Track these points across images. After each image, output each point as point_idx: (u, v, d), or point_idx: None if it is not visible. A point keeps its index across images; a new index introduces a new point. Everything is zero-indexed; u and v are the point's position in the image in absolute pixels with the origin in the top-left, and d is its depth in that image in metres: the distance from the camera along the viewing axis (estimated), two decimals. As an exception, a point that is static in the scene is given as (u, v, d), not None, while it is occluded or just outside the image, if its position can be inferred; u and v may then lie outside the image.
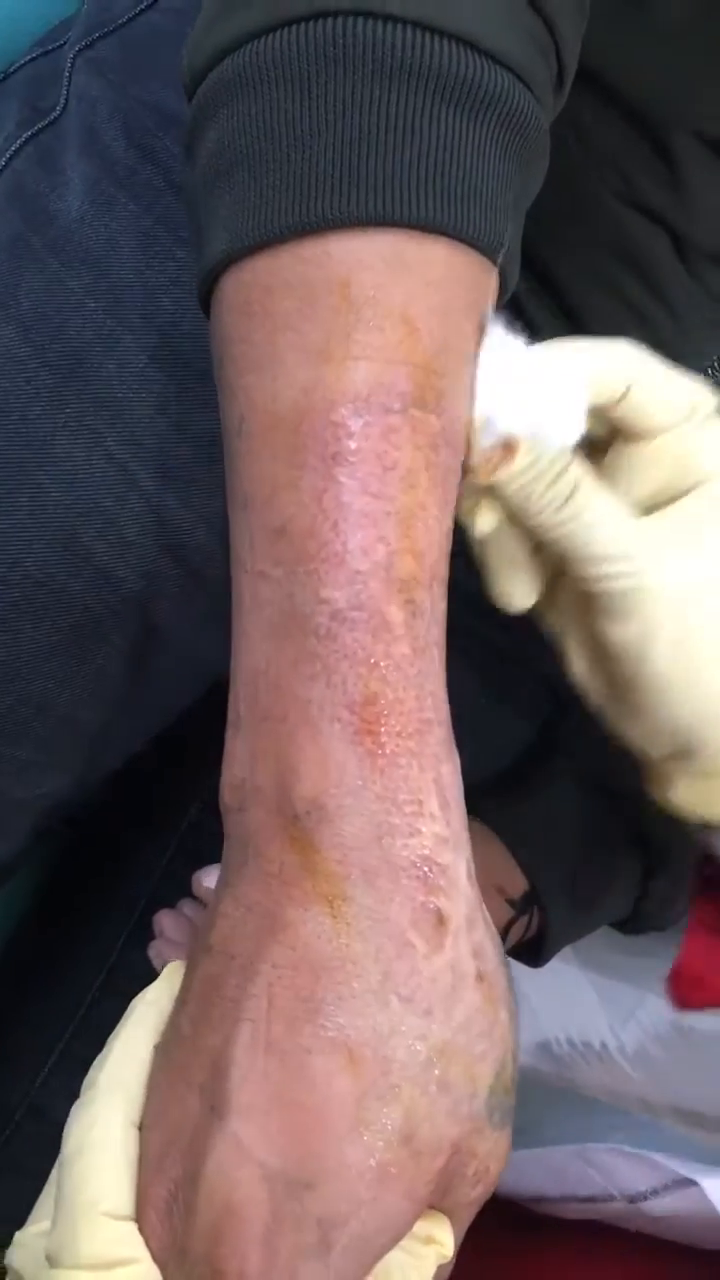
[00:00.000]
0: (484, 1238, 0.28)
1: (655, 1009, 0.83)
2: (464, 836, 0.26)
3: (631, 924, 0.52)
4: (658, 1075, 0.89)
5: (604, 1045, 0.91)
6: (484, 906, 0.27)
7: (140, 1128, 0.27)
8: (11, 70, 0.46)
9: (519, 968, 0.88)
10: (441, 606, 0.27)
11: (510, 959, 0.52)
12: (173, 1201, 0.25)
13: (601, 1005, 0.87)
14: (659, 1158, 0.59)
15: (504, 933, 0.48)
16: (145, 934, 0.48)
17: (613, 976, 0.82)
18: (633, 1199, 0.61)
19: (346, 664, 0.25)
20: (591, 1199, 0.63)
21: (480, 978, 0.26)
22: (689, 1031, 0.81)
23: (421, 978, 0.25)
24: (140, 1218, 0.26)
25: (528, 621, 0.54)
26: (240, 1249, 0.24)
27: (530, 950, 0.51)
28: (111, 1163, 0.26)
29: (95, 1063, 0.27)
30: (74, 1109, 0.27)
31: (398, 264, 0.26)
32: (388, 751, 0.25)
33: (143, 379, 0.40)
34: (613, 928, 0.53)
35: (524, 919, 0.48)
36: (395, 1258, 0.26)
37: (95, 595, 0.41)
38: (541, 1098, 0.72)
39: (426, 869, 0.25)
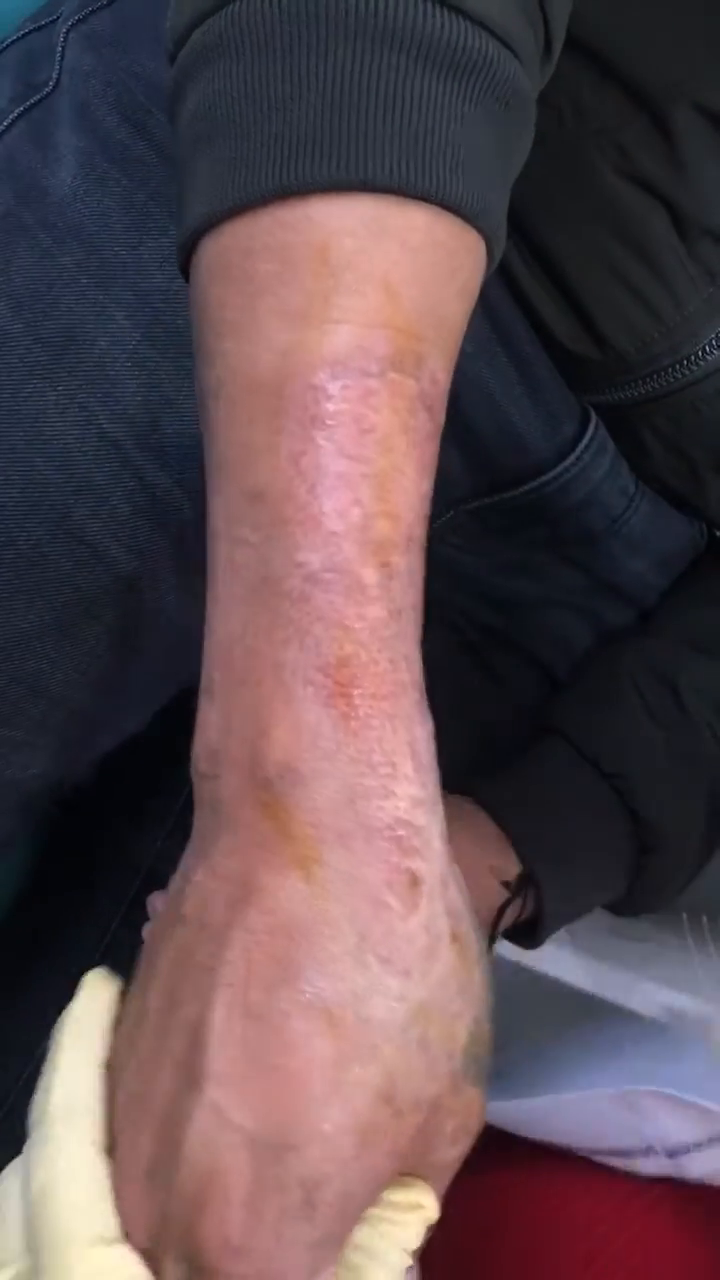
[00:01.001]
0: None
1: (647, 994, 0.83)
2: (438, 799, 0.27)
3: (626, 905, 0.52)
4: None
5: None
6: (456, 868, 0.27)
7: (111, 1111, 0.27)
8: (4, 46, 0.45)
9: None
10: (418, 571, 0.27)
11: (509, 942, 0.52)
12: (153, 1175, 0.25)
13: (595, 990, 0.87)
14: (711, 1105, 0.55)
15: (498, 914, 0.48)
16: (140, 915, 0.48)
17: (606, 961, 0.82)
18: (673, 1152, 0.58)
19: (320, 626, 0.25)
20: (626, 1152, 0.59)
21: (455, 937, 0.26)
22: (679, 1015, 0.82)
23: (398, 938, 0.25)
24: (121, 1195, 0.25)
25: (521, 603, 0.54)
26: (224, 1215, 0.24)
27: (525, 932, 0.51)
28: (86, 1191, 0.25)
29: (39, 1092, 0.27)
30: (29, 1145, 0.26)
31: (378, 229, 0.26)
32: (361, 714, 0.25)
33: (135, 356, 0.40)
34: (606, 909, 0.53)
35: (518, 900, 0.48)
36: (382, 1227, 0.26)
37: (88, 574, 0.41)
38: (574, 1039, 0.67)
39: (401, 831, 0.25)
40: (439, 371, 0.27)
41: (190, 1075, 0.25)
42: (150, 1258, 0.25)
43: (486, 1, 0.26)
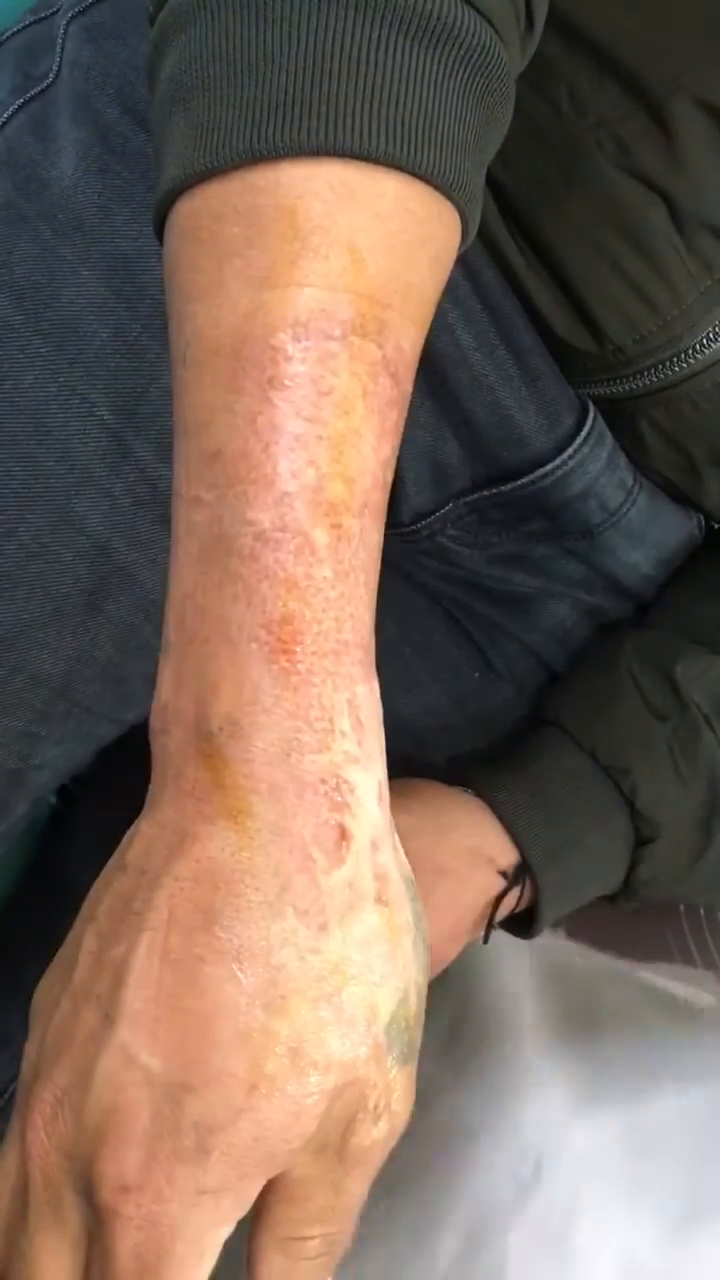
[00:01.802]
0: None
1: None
2: (377, 759, 0.27)
3: (623, 896, 0.52)
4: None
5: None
6: (396, 836, 0.28)
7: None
8: (4, 37, 0.45)
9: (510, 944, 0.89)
10: (373, 534, 0.27)
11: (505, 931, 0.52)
12: (59, 1107, 0.26)
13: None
14: None
15: (495, 904, 0.48)
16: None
17: (604, 951, 0.82)
18: None
19: (267, 584, 0.26)
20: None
21: (380, 900, 0.26)
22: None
23: (319, 891, 0.25)
24: (23, 1121, 0.26)
25: (519, 595, 0.54)
26: (120, 1152, 0.25)
27: (521, 923, 0.51)
28: None
29: None
30: None
31: (346, 194, 0.26)
32: (302, 670, 0.26)
33: (136, 347, 0.40)
34: (602, 900, 0.53)
35: (515, 890, 0.49)
36: None
37: (88, 565, 0.41)
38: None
39: (333, 786, 0.26)
40: (404, 339, 0.27)
41: (108, 1013, 0.25)
42: (48, 1186, 0.26)
43: None
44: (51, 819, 0.63)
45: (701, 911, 0.71)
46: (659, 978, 0.71)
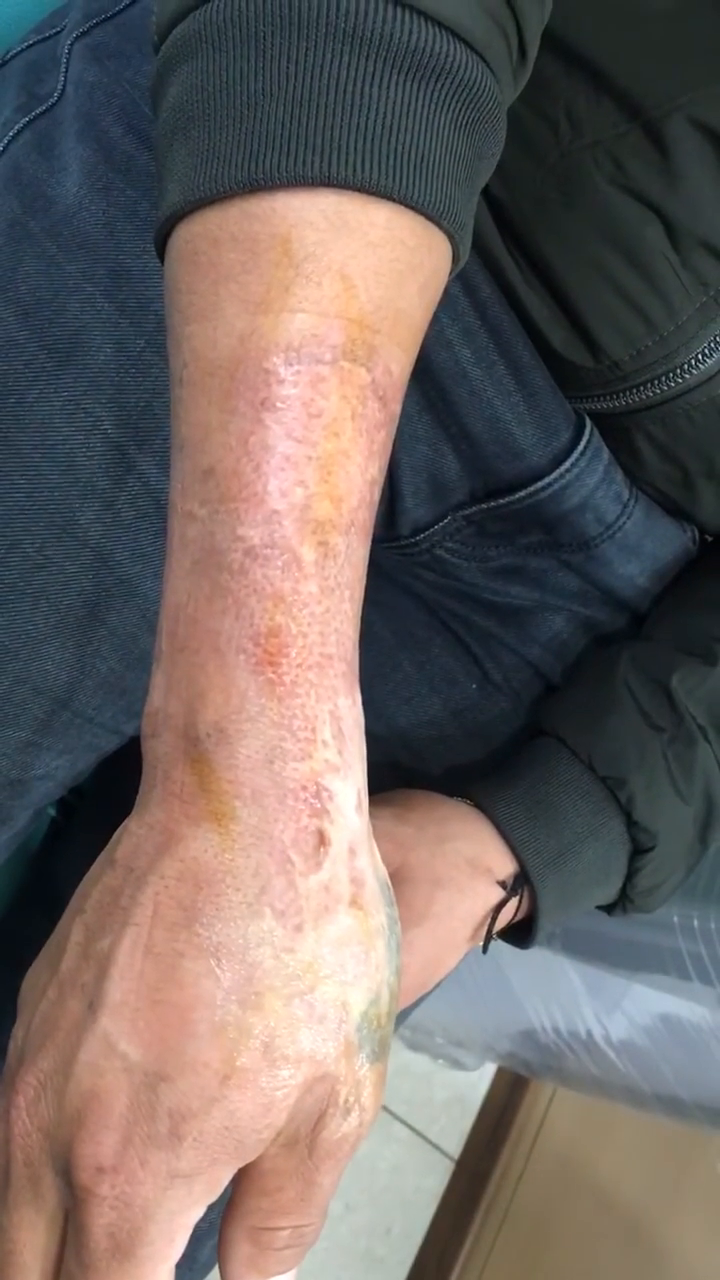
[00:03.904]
0: None
1: (641, 999, 0.83)
2: (357, 768, 0.28)
3: (619, 906, 0.52)
4: (644, 1064, 0.90)
5: (590, 1034, 0.92)
6: (374, 844, 0.29)
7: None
8: (9, 57, 0.46)
9: (507, 959, 0.89)
10: (359, 551, 0.28)
11: (503, 941, 0.52)
12: (42, 1091, 0.27)
13: (588, 994, 0.88)
14: None
15: (494, 914, 0.49)
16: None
17: (599, 966, 0.83)
18: None
19: (254, 599, 0.27)
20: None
21: (355, 904, 0.27)
22: (674, 1021, 0.82)
23: (296, 893, 0.27)
24: (7, 1102, 0.27)
25: (516, 607, 0.54)
26: (97, 1135, 0.26)
27: (519, 932, 0.51)
28: None
29: None
30: None
31: (339, 223, 0.27)
32: (287, 681, 0.27)
33: (140, 362, 0.40)
34: (600, 910, 0.54)
35: (514, 900, 0.49)
36: None
37: (92, 578, 0.42)
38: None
39: (313, 792, 0.27)
40: (393, 363, 0.28)
41: (91, 1002, 0.26)
42: (28, 1165, 0.27)
43: (456, 8, 0.27)
44: (50, 831, 0.63)
45: (694, 920, 0.71)
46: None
